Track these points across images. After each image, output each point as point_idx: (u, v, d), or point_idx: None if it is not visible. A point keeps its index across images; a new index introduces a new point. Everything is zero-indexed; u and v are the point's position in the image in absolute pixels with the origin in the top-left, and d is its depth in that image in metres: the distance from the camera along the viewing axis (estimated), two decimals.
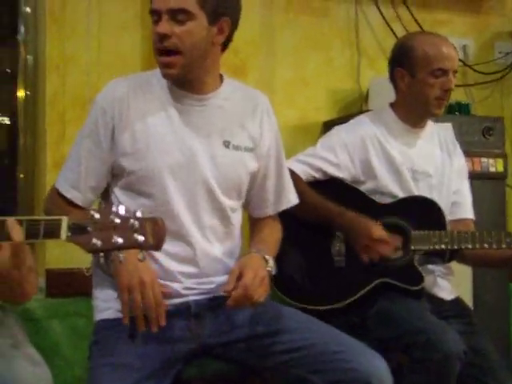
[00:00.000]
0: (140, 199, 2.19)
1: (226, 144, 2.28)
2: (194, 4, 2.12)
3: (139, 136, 2.21)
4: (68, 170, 2.26)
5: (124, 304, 2.08)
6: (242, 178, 2.31)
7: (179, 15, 2.12)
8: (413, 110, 2.82)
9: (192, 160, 2.23)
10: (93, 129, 2.24)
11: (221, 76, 2.33)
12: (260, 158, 2.34)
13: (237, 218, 2.35)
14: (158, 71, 2.24)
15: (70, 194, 2.22)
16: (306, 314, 2.29)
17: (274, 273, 2.25)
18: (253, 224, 2.45)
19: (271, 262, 2.23)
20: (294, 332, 2.18)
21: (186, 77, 2.22)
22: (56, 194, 2.26)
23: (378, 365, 2.10)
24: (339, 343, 2.14)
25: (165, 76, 2.21)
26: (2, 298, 1.88)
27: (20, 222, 1.67)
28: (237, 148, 2.29)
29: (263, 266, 2.19)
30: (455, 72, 2.76)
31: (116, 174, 2.24)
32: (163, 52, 2.16)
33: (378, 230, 2.62)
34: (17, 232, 1.67)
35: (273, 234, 2.42)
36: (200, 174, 2.23)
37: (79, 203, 2.21)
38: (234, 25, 2.24)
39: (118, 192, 2.25)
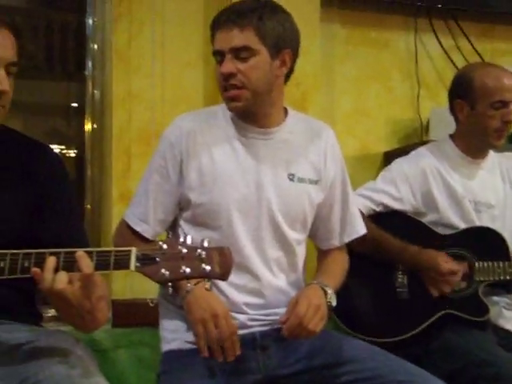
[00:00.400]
0: (206, 232, 2.19)
1: (291, 177, 2.27)
2: (255, 40, 2.13)
3: (205, 170, 2.22)
4: (137, 204, 2.29)
5: (200, 337, 2.11)
6: (306, 210, 2.30)
7: (242, 53, 2.14)
8: (473, 141, 2.80)
9: (257, 193, 2.23)
10: (161, 163, 2.26)
11: (285, 109, 2.33)
12: (325, 190, 2.33)
13: (301, 250, 2.34)
14: (222, 106, 2.27)
15: (140, 228, 2.24)
16: (370, 344, 2.27)
17: (334, 304, 2.23)
18: (320, 255, 2.44)
19: (330, 292, 2.21)
20: (359, 362, 2.16)
21: (252, 110, 2.22)
22: (125, 227, 2.29)
23: None
24: (406, 372, 2.12)
25: (231, 109, 2.23)
26: (73, 325, 1.90)
27: (91, 254, 1.70)
28: (301, 180, 2.28)
29: (320, 295, 2.19)
30: None
31: (182, 206, 2.26)
32: (229, 88, 2.18)
33: (445, 262, 2.60)
34: (86, 263, 1.70)
35: (337, 265, 2.41)
36: (266, 207, 2.24)
37: (148, 236, 2.23)
38: (295, 55, 2.25)
39: (184, 225, 2.27)
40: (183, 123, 2.29)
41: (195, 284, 1.89)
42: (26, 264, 1.72)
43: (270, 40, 2.15)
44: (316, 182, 2.32)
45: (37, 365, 1.85)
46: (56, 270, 1.71)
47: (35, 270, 1.72)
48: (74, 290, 1.72)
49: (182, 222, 2.28)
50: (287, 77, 2.28)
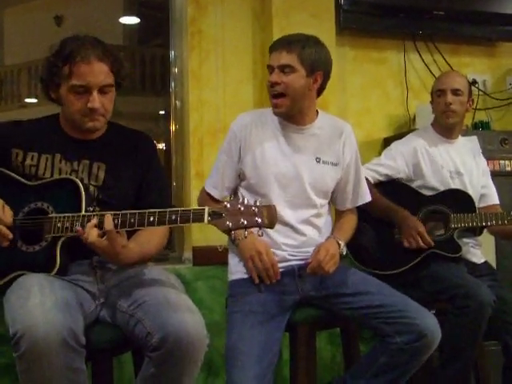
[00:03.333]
0: (255, 197, 2.20)
1: (318, 160, 2.29)
2: (296, 61, 2.16)
3: (257, 154, 2.25)
4: (211, 176, 2.35)
5: (250, 269, 2.16)
6: (328, 184, 2.32)
7: (286, 69, 2.17)
8: (440, 125, 2.78)
9: (294, 171, 2.25)
10: (227, 147, 2.30)
11: (317, 111, 2.34)
12: (342, 170, 2.34)
13: (325, 209, 2.35)
14: (270, 109, 2.29)
15: (212, 192, 2.29)
16: (380, 281, 2.27)
17: (344, 253, 2.28)
18: (337, 214, 2.45)
19: (342, 244, 2.26)
20: (370, 294, 2.17)
21: (290, 113, 2.24)
22: (204, 191, 2.34)
23: (431, 321, 2.09)
24: (404, 304, 2.13)
25: (275, 114, 2.26)
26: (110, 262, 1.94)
27: (176, 212, 1.73)
28: (325, 163, 2.30)
29: (335, 247, 2.23)
30: (456, 91, 2.70)
31: (241, 178, 2.29)
32: (274, 95, 2.20)
33: (419, 227, 2.57)
34: (108, 223, 1.75)
35: (349, 223, 2.40)
36: (299, 181, 2.26)
37: (218, 198, 2.28)
38: (327, 76, 2.27)
39: (242, 191, 2.30)
40: (243, 119, 2.33)
41: (245, 236, 1.89)
42: (132, 220, 1.76)
43: (307, 62, 2.17)
44: (336, 164, 2.32)
45: (143, 290, 1.89)
46: (100, 228, 1.77)
47: (78, 228, 1.78)
48: (102, 241, 1.77)
49: (241, 189, 2.31)
50: (320, 91, 2.29)
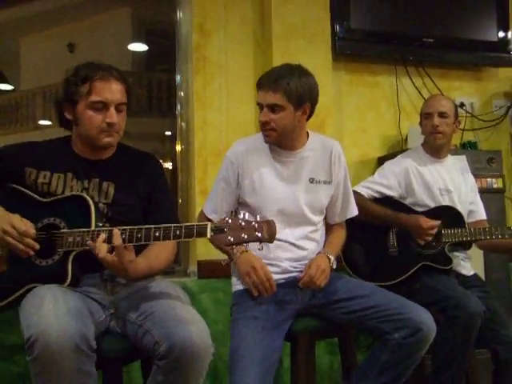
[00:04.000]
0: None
1: (311, 180, 2.28)
2: (283, 100, 2.13)
3: (255, 179, 2.25)
4: (210, 200, 2.33)
5: (248, 284, 2.15)
6: (322, 201, 2.31)
7: (274, 107, 2.15)
8: (429, 145, 2.77)
9: (290, 194, 2.25)
10: (224, 174, 2.29)
11: (307, 133, 2.32)
12: (334, 187, 2.33)
13: (321, 226, 2.35)
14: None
15: (211, 216, 2.27)
16: (373, 285, 2.27)
17: (334, 267, 2.25)
18: (327, 228, 2.42)
19: (332, 259, 2.25)
20: (366, 296, 2.16)
21: (281, 143, 2.24)
22: (203, 215, 2.33)
23: (426, 317, 2.08)
24: (398, 303, 2.13)
25: (266, 142, 2.25)
26: (117, 275, 1.92)
27: (180, 227, 1.73)
28: (319, 182, 2.29)
29: (325, 262, 2.21)
30: (442, 114, 2.69)
31: (240, 203, 2.28)
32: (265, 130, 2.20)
33: (425, 221, 2.54)
34: (117, 239, 1.75)
35: (338, 237, 2.40)
36: (296, 202, 2.25)
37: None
38: (314, 106, 2.24)
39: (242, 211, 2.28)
40: (239, 147, 2.32)
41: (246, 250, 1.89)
42: (139, 235, 1.77)
43: (293, 99, 2.15)
44: (329, 183, 2.31)
45: (151, 302, 1.88)
46: (109, 243, 1.76)
47: (90, 242, 1.78)
48: (111, 256, 1.77)
49: (241, 210, 2.28)
50: (309, 117, 2.26)
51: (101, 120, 1.93)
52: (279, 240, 2.15)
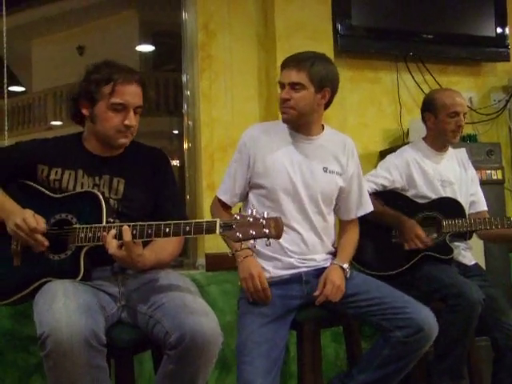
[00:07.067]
0: (266, 203, 2.21)
1: (325, 169, 2.26)
2: (305, 79, 2.13)
3: (268, 161, 2.22)
4: (223, 183, 2.32)
5: (245, 289, 2.14)
6: (333, 191, 2.28)
7: (296, 86, 2.14)
8: (437, 139, 2.75)
9: (303, 178, 2.22)
10: (238, 156, 2.28)
11: (323, 125, 2.31)
12: (346, 180, 2.30)
13: (331, 217, 2.32)
14: (280, 122, 2.27)
15: (223, 197, 2.27)
16: (379, 281, 2.24)
17: (348, 275, 2.21)
18: (341, 226, 2.40)
19: (346, 268, 2.20)
20: (369, 292, 2.15)
21: (298, 122, 2.21)
22: (216, 198, 2.32)
23: (428, 315, 2.07)
24: (403, 301, 2.11)
25: (283, 120, 2.22)
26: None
27: (189, 223, 1.73)
28: (332, 172, 2.26)
29: (340, 275, 2.17)
30: (465, 113, 2.68)
31: (251, 186, 2.26)
32: (285, 108, 2.19)
33: (419, 231, 2.54)
34: (126, 235, 1.75)
35: (352, 238, 2.36)
36: (308, 189, 2.22)
37: (228, 203, 2.27)
38: (334, 92, 2.23)
39: (252, 198, 2.26)
40: (253, 130, 2.31)
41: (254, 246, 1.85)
42: (149, 231, 1.77)
43: (315, 80, 2.14)
44: (340, 174, 2.29)
45: (161, 293, 1.88)
46: (119, 238, 1.77)
47: (104, 233, 1.80)
48: (120, 251, 1.78)
49: (251, 197, 2.27)
50: (327, 105, 2.25)
51: (119, 121, 1.94)
52: (288, 227, 2.13)
